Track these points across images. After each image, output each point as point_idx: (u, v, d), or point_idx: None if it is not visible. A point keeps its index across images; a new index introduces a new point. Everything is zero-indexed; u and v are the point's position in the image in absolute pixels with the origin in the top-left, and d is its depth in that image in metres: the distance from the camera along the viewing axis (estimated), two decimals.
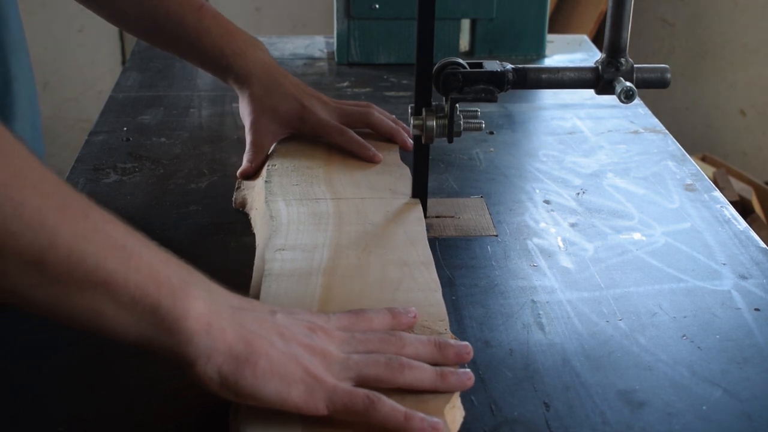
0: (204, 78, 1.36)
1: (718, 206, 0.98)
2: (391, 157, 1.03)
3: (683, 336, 0.76)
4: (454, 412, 0.65)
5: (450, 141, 0.90)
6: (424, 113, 0.88)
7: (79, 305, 0.57)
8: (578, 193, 1.01)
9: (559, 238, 0.92)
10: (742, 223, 0.95)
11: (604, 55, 0.89)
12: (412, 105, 0.89)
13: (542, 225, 0.94)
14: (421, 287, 0.78)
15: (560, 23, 2.68)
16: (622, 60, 0.88)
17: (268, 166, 1.00)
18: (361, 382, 0.64)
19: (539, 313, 0.79)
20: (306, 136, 1.05)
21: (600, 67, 0.89)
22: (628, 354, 0.74)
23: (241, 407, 0.63)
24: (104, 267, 0.56)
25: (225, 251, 0.90)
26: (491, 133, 1.17)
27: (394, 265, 0.81)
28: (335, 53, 1.43)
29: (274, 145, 1.05)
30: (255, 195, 0.97)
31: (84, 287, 0.56)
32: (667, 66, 0.90)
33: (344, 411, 0.61)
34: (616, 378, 0.71)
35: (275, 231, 0.86)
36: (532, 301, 0.81)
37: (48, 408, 0.68)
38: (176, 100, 1.28)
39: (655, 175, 1.06)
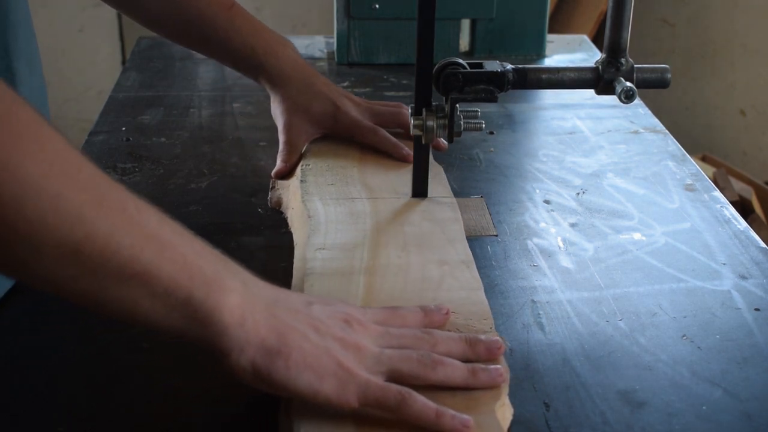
0: (204, 78, 1.36)
1: (718, 206, 0.98)
2: None
3: (683, 336, 0.76)
4: (504, 409, 0.65)
5: (450, 141, 0.90)
6: (424, 113, 0.88)
7: (115, 296, 0.57)
8: (578, 193, 1.01)
9: (559, 238, 0.92)
10: (742, 223, 0.95)
11: (604, 55, 0.89)
12: (412, 105, 0.89)
13: (542, 225, 0.94)
14: (463, 286, 0.78)
15: (560, 23, 2.68)
16: (622, 60, 0.88)
17: (302, 165, 1.01)
18: (393, 378, 0.64)
19: (539, 313, 0.79)
20: (338, 136, 1.05)
21: (600, 67, 0.89)
22: (628, 354, 0.74)
23: (292, 405, 0.63)
24: (139, 259, 0.57)
25: (225, 251, 0.89)
26: (491, 133, 1.17)
27: (434, 264, 0.81)
28: (335, 53, 1.43)
29: (306, 144, 1.05)
30: (290, 195, 0.97)
31: (119, 279, 0.57)
32: (667, 66, 0.90)
33: (376, 405, 0.61)
34: (616, 378, 0.71)
35: (314, 230, 0.87)
36: (532, 301, 0.81)
37: (48, 408, 0.68)
38: (176, 100, 1.28)
39: (655, 175, 1.06)
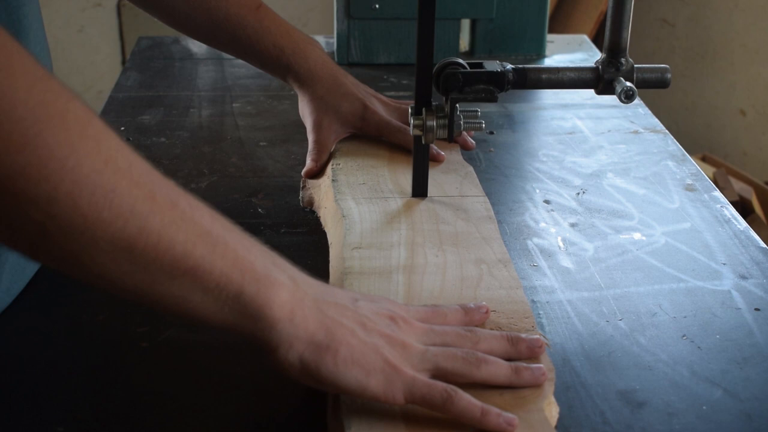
0: (204, 78, 1.36)
1: (718, 206, 0.98)
2: (453, 156, 1.04)
3: (683, 336, 0.76)
4: (551, 407, 0.65)
5: (450, 141, 0.90)
6: (424, 113, 0.88)
7: (167, 292, 0.58)
8: (578, 193, 1.01)
9: (559, 238, 0.92)
10: (742, 223, 0.95)
11: (604, 55, 0.89)
12: (412, 105, 0.89)
13: (542, 225, 0.94)
14: (502, 285, 0.78)
15: (560, 23, 2.68)
16: (623, 60, 0.88)
17: (332, 165, 1.01)
18: (438, 375, 0.64)
19: (539, 313, 0.79)
20: (365, 136, 1.06)
21: (600, 67, 0.89)
22: (628, 354, 0.74)
23: (342, 405, 0.63)
24: (191, 254, 0.57)
25: None
26: (491, 133, 1.17)
27: (472, 263, 0.81)
28: (335, 53, 1.43)
29: (335, 144, 1.05)
30: (322, 194, 0.97)
31: (172, 274, 0.57)
32: (667, 66, 0.90)
33: (422, 402, 0.62)
34: (616, 378, 0.71)
35: (349, 229, 0.87)
36: (532, 301, 0.81)
37: (48, 408, 0.68)
38: (176, 100, 1.28)
39: (655, 175, 1.06)
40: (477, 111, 0.91)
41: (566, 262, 0.87)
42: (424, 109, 0.89)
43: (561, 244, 0.91)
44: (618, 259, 0.88)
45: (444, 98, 0.89)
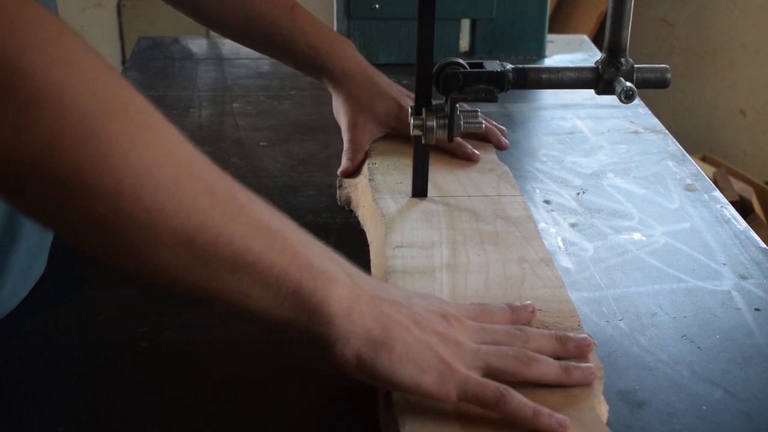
0: (204, 78, 1.36)
1: (718, 206, 0.98)
2: (488, 155, 1.04)
3: (683, 336, 0.76)
4: (601, 406, 0.65)
5: (450, 141, 0.90)
6: (424, 113, 0.88)
7: (227, 287, 0.58)
8: (578, 193, 1.01)
9: (559, 238, 0.92)
10: (742, 223, 0.95)
11: (604, 55, 0.89)
12: (412, 105, 0.89)
13: (542, 225, 0.94)
14: (546, 284, 0.78)
15: (560, 23, 2.68)
16: (622, 60, 0.88)
17: (369, 164, 1.01)
18: (489, 373, 0.64)
19: None
20: (400, 135, 1.06)
21: (600, 67, 0.89)
22: (628, 354, 0.74)
23: (395, 403, 0.63)
24: (251, 249, 0.57)
25: None
26: None
27: (514, 262, 0.81)
28: None
29: (369, 143, 1.06)
30: (359, 193, 0.98)
31: (231, 269, 0.57)
32: (667, 66, 0.90)
33: (474, 401, 0.62)
34: (616, 378, 0.71)
35: (390, 228, 0.87)
36: None
37: (48, 408, 0.68)
38: (176, 100, 1.27)
39: (655, 175, 1.06)
40: (477, 111, 0.91)
41: (566, 262, 0.87)
42: (424, 109, 0.89)
43: (561, 244, 0.91)
44: (618, 259, 0.88)
45: (444, 98, 0.89)
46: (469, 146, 1.03)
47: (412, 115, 0.89)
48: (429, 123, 0.88)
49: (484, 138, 1.08)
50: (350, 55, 1.05)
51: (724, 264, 0.87)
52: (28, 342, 0.76)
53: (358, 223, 0.95)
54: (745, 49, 2.80)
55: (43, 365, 0.73)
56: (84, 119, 0.51)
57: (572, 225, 0.94)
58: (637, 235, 0.92)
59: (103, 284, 0.84)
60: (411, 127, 0.89)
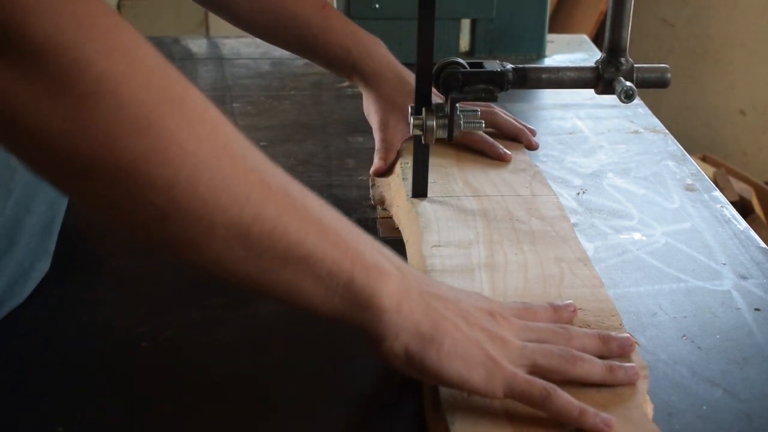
0: (204, 78, 1.36)
1: (718, 206, 0.98)
2: (519, 156, 1.04)
3: (683, 336, 0.76)
4: (647, 404, 0.65)
5: (450, 141, 0.90)
6: (424, 113, 0.88)
7: (279, 279, 0.58)
8: (578, 193, 1.01)
9: None
10: (742, 223, 0.95)
11: (604, 55, 0.89)
12: (412, 105, 0.89)
13: None
14: (585, 283, 0.78)
15: (560, 23, 2.68)
16: (622, 60, 0.88)
17: (401, 163, 1.01)
18: (534, 371, 0.64)
19: None
20: None
21: (600, 67, 0.89)
22: None
23: (443, 400, 0.63)
24: (304, 242, 0.58)
25: None
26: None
27: (552, 261, 0.81)
28: None
29: (401, 143, 1.06)
30: (393, 192, 0.98)
31: (285, 261, 0.58)
32: (667, 66, 0.90)
33: (520, 398, 0.62)
34: None
35: (426, 228, 0.87)
36: None
37: (48, 408, 0.68)
38: None
39: (655, 175, 1.06)
40: (477, 111, 0.91)
41: None
42: (424, 109, 0.88)
43: None
44: (618, 259, 0.88)
45: (444, 98, 0.88)
46: (501, 147, 1.03)
47: (411, 114, 0.89)
48: (429, 123, 0.88)
49: (514, 138, 1.08)
50: (382, 55, 1.05)
51: (724, 264, 0.87)
52: (28, 342, 0.76)
53: (358, 222, 0.95)
54: (745, 49, 2.80)
55: (43, 365, 0.73)
56: (142, 110, 0.51)
57: (572, 225, 0.94)
58: (637, 235, 0.92)
59: (103, 284, 0.84)
60: (411, 127, 0.89)
